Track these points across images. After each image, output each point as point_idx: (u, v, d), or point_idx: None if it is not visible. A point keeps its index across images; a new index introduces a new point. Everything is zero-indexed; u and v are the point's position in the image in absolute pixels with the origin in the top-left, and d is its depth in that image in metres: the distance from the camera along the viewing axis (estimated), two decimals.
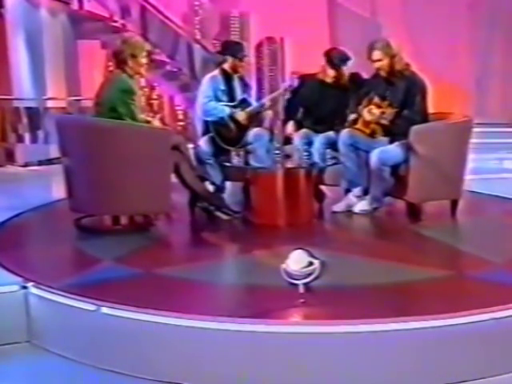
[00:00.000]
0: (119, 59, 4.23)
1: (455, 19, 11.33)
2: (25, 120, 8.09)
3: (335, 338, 2.54)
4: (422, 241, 4.00)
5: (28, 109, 8.17)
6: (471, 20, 11.48)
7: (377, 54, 4.50)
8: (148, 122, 4.49)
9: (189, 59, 10.10)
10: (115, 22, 9.63)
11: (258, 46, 11.66)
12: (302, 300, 2.80)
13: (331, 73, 5.05)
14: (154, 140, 4.21)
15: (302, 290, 2.84)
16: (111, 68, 4.41)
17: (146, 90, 10.92)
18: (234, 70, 5.10)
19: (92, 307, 2.83)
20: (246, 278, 3.32)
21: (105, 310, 2.80)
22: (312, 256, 2.85)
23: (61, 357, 2.84)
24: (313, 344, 2.55)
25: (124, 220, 4.43)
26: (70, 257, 3.85)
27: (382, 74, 4.54)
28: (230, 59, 5.09)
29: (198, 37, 10.90)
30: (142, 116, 4.35)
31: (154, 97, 10.82)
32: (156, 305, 2.77)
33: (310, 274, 2.83)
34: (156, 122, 4.58)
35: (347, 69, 5.07)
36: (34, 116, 8.09)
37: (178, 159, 4.32)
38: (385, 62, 4.49)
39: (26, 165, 7.75)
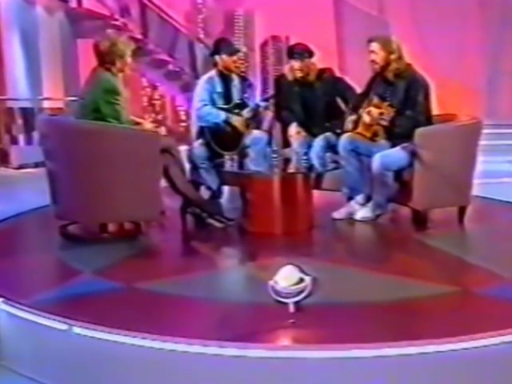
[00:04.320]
0: (106, 60, 4.06)
1: (465, 17, 11.10)
2: (19, 121, 7.92)
3: (329, 364, 2.34)
4: (427, 252, 3.76)
5: (23, 109, 7.99)
6: (482, 17, 11.25)
7: (373, 46, 4.33)
8: (138, 123, 4.28)
9: (190, 58, 9.92)
10: (116, 20, 9.44)
11: (263, 45, 11.44)
12: (291, 320, 2.58)
13: (296, 66, 4.91)
14: (141, 143, 4.01)
15: (292, 309, 2.61)
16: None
17: (149, 90, 10.74)
18: (228, 68, 4.86)
19: (63, 326, 2.64)
20: (233, 293, 3.11)
21: (77, 329, 2.61)
22: (303, 272, 2.61)
23: (32, 380, 2.65)
24: (303, 371, 2.34)
25: (112, 227, 4.23)
26: (48, 268, 3.63)
27: (376, 67, 4.36)
28: (219, 59, 4.86)
29: (202, 35, 10.68)
30: (129, 117, 4.13)
31: (156, 97, 10.62)
32: (133, 325, 2.58)
33: (300, 292, 2.59)
34: (148, 125, 4.38)
35: (312, 63, 4.95)
36: (29, 117, 7.89)
37: (167, 162, 4.11)
38: (380, 56, 4.31)
39: (20, 167, 7.56)
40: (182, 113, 10.10)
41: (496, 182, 5.81)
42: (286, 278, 2.60)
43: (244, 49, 10.63)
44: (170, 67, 9.89)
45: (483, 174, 4.90)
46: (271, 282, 2.62)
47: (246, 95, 5.01)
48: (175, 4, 10.53)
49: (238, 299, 2.97)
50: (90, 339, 2.56)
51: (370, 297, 2.92)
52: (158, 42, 9.75)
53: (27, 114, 7.89)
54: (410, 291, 2.98)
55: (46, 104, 8.11)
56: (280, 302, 2.62)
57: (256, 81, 10.60)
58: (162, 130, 4.79)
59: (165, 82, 9.97)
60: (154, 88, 10.55)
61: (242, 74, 5.33)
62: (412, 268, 3.40)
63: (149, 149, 3.98)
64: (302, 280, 2.60)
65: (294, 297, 2.60)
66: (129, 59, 4.12)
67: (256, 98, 5.29)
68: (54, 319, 2.68)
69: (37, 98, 8.06)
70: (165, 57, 9.79)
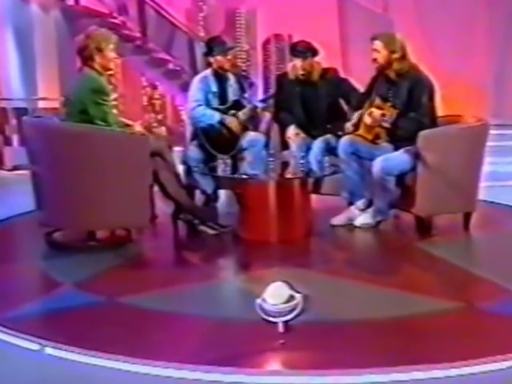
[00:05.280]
0: (85, 56, 3.89)
1: (472, 15, 10.84)
2: (13, 121, 7.70)
3: None
4: (431, 262, 3.54)
5: (16, 109, 7.77)
6: (489, 16, 10.99)
7: (376, 44, 4.12)
8: (127, 125, 4.08)
9: (190, 57, 9.70)
10: (114, 18, 9.21)
11: (265, 44, 11.18)
12: (281, 341, 2.38)
13: (298, 64, 4.72)
14: (129, 146, 3.81)
15: (281, 329, 2.40)
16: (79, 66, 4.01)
17: (148, 89, 10.52)
18: (223, 68, 4.65)
19: (35, 346, 2.48)
20: (222, 309, 2.87)
21: (49, 350, 2.45)
22: (293, 289, 2.40)
23: None
24: None
25: (100, 234, 4.03)
26: (27, 280, 3.41)
27: (377, 66, 4.16)
28: (213, 60, 4.66)
29: (202, 34, 10.44)
30: (118, 119, 3.93)
31: (156, 96, 10.39)
32: (113, 345, 2.42)
33: (290, 311, 2.38)
34: (137, 127, 4.16)
35: (316, 61, 4.76)
36: (23, 117, 7.68)
37: (157, 166, 3.90)
38: (382, 55, 4.10)
39: (14, 168, 7.35)
40: (183, 112, 9.88)
41: (503, 185, 5.55)
42: (275, 295, 2.39)
43: (246, 47, 10.39)
44: (170, 66, 9.69)
45: (490, 176, 4.70)
46: (259, 300, 2.42)
47: (246, 94, 4.80)
48: (175, 2, 10.31)
49: (226, 316, 2.74)
50: (64, 361, 2.39)
51: (367, 314, 2.72)
52: (157, 40, 9.51)
53: (21, 114, 7.67)
54: (411, 307, 2.79)
55: (41, 104, 7.89)
56: (269, 321, 2.41)
57: (258, 80, 10.36)
58: (163, 130, 4.60)
59: (164, 81, 9.75)
60: (154, 87, 10.32)
61: (243, 73, 5.11)
62: (414, 281, 3.21)
63: (138, 152, 3.80)
64: (292, 297, 2.39)
65: (283, 316, 2.40)
66: (110, 53, 3.90)
67: (258, 97, 5.08)
68: (24, 338, 2.51)
69: (31, 98, 7.84)
70: (164, 55, 9.59)
